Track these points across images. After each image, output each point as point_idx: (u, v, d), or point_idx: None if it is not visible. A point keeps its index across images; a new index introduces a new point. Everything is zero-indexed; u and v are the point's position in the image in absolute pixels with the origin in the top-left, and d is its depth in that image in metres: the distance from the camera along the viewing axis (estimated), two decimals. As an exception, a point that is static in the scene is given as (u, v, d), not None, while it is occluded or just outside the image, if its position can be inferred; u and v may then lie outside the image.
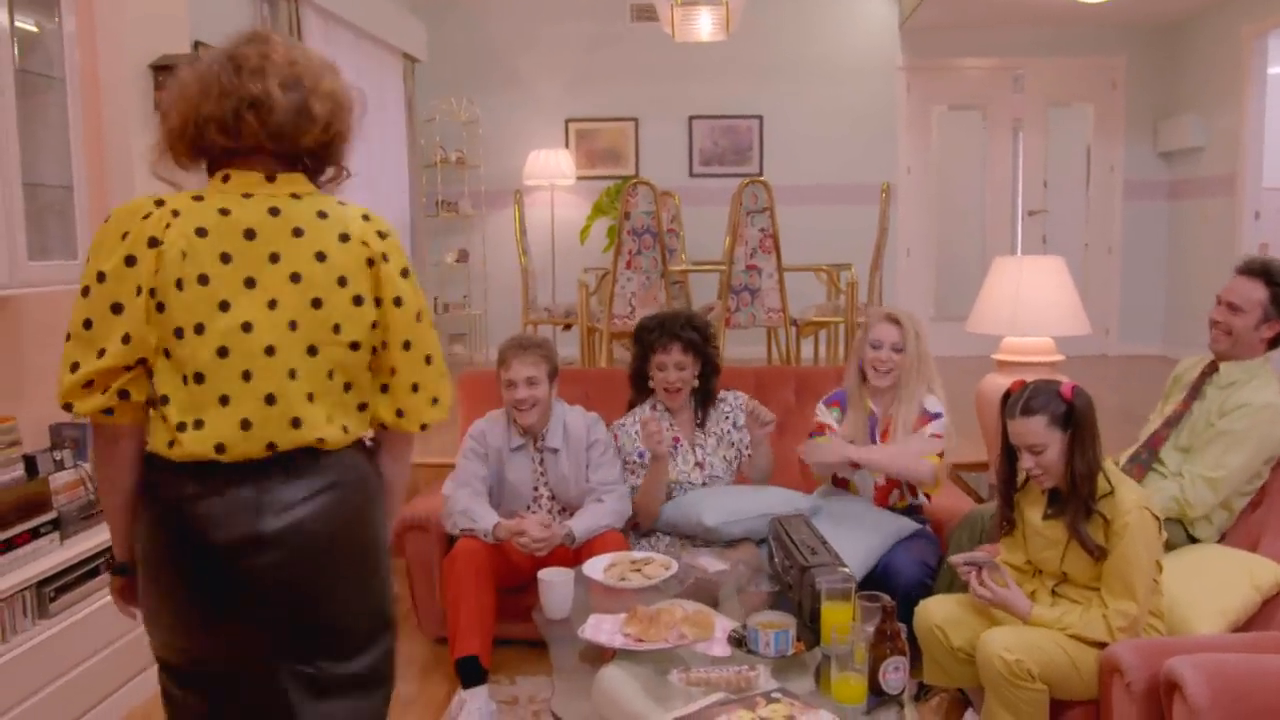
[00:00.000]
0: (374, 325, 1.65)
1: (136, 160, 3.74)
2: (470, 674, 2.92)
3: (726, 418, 3.52)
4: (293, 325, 1.59)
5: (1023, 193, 8.28)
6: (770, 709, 1.93)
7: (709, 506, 3.22)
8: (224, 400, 1.56)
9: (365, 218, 1.69)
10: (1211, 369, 3.11)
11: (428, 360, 1.71)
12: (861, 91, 7.95)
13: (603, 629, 2.41)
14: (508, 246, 7.42)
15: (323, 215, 1.64)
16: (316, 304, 1.60)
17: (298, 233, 1.61)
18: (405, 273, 1.69)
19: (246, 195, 1.61)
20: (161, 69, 3.94)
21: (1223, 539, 3.03)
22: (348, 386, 1.65)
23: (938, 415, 3.25)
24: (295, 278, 1.59)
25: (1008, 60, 8.09)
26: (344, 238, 1.64)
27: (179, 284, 1.54)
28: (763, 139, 8.03)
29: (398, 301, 1.67)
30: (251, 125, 1.59)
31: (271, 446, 1.57)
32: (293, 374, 1.59)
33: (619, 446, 3.44)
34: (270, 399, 1.57)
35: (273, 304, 1.58)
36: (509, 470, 3.31)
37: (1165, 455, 3.08)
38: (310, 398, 1.60)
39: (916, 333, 3.26)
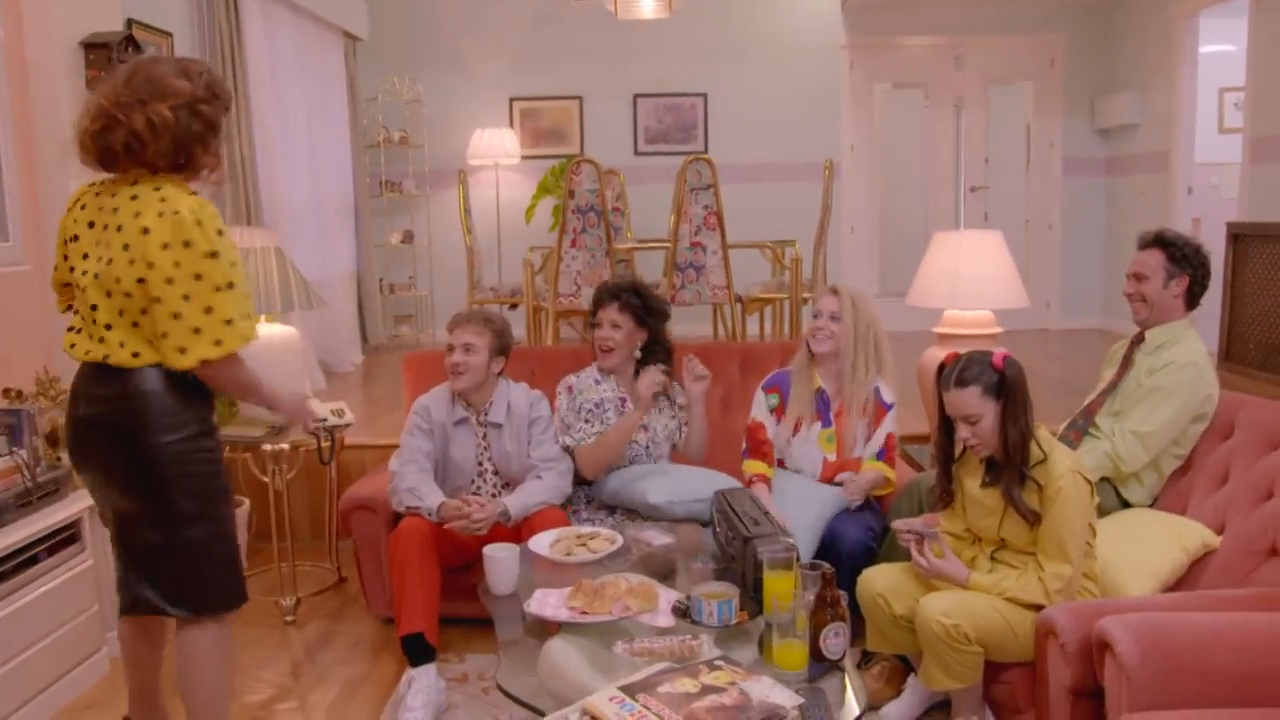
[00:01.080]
0: (140, 281, 2.16)
1: (68, 139, 3.66)
2: (418, 652, 2.92)
3: (670, 395, 3.58)
4: (96, 276, 2.22)
5: (964, 169, 8.38)
6: (713, 676, 1.96)
7: (654, 485, 3.26)
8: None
9: (162, 199, 2.18)
10: (1139, 339, 3.25)
11: (174, 316, 2.16)
12: (805, 70, 7.99)
13: (548, 603, 2.43)
14: (453, 226, 7.37)
15: (134, 199, 2.20)
16: (109, 261, 2.19)
17: (116, 210, 2.22)
18: (165, 246, 2.14)
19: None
20: (93, 47, 3.85)
21: (1154, 504, 3.13)
22: (135, 324, 2.21)
23: (891, 406, 3.35)
24: (107, 243, 2.21)
25: (949, 38, 8.17)
26: (136, 215, 2.18)
27: None
28: (707, 117, 8.05)
29: (150, 266, 2.14)
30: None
31: (88, 354, 2.25)
32: (94, 308, 2.23)
33: (574, 395, 3.50)
34: (94, 324, 2.25)
35: (89, 257, 2.25)
36: (453, 446, 3.32)
37: (1100, 421, 3.19)
38: (108, 327, 2.22)
39: (855, 304, 3.34)
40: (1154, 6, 7.39)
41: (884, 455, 3.32)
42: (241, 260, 2.26)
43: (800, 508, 3.15)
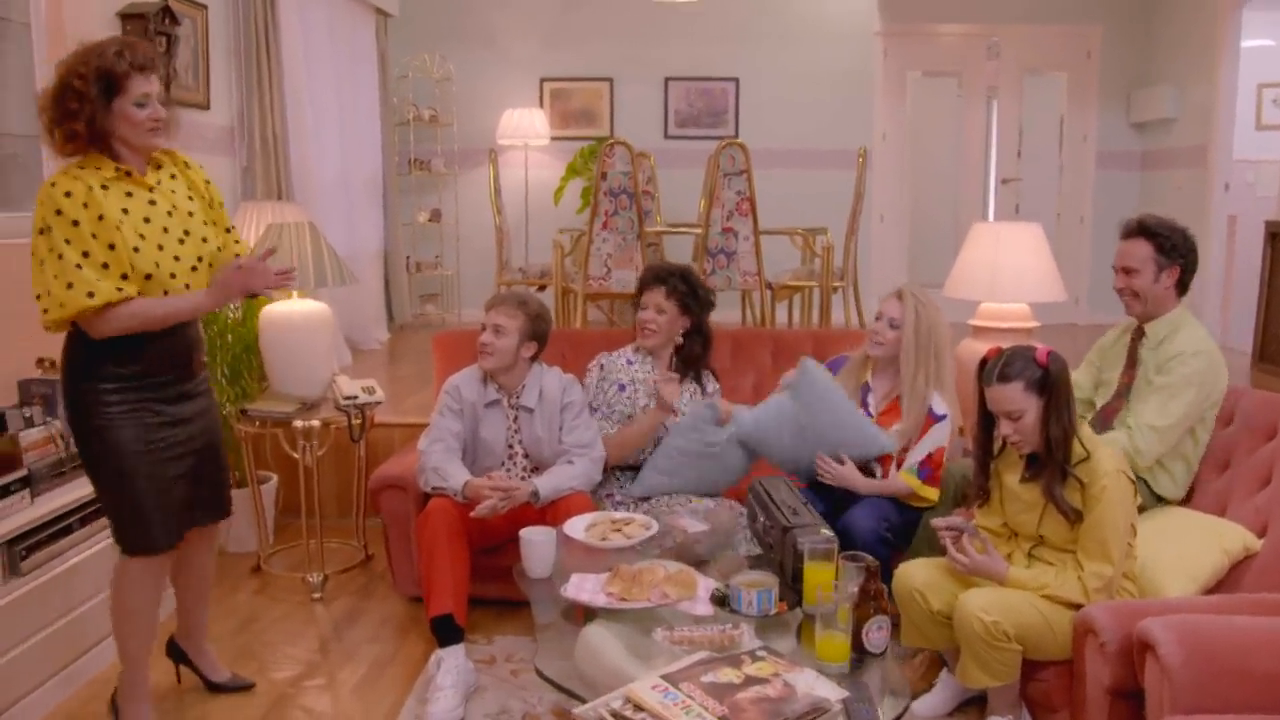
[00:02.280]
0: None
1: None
2: (446, 632, 2.91)
3: (703, 385, 3.59)
4: None
5: (996, 160, 8.29)
6: (756, 666, 1.94)
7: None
8: None
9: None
10: (1139, 334, 3.18)
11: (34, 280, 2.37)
12: (838, 56, 7.90)
13: (585, 588, 2.41)
14: (480, 206, 7.34)
15: None
16: None
17: None
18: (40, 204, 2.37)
19: None
20: (130, 18, 3.85)
21: (1190, 500, 3.09)
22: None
23: (942, 417, 3.19)
24: None
25: (984, 27, 8.07)
26: None
27: None
28: (738, 102, 7.97)
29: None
30: None
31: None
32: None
33: (605, 373, 3.50)
34: None
35: None
36: (483, 427, 3.30)
37: (1117, 424, 3.12)
38: None
39: (917, 312, 3.19)
40: (1195, -1, 7.28)
41: (927, 474, 3.18)
42: (89, 232, 2.36)
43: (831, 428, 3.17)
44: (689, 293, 3.47)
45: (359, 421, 3.73)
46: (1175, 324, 3.09)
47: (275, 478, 4.26)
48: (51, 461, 3.02)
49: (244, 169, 5.19)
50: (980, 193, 8.31)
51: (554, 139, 7.81)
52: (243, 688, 3.00)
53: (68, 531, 2.97)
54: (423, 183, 7.95)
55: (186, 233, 2.55)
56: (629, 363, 3.53)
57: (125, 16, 3.84)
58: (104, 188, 2.40)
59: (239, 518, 4.09)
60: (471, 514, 3.03)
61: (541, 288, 6.39)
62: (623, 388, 3.48)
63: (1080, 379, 3.27)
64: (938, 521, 2.70)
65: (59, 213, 2.33)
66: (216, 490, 2.77)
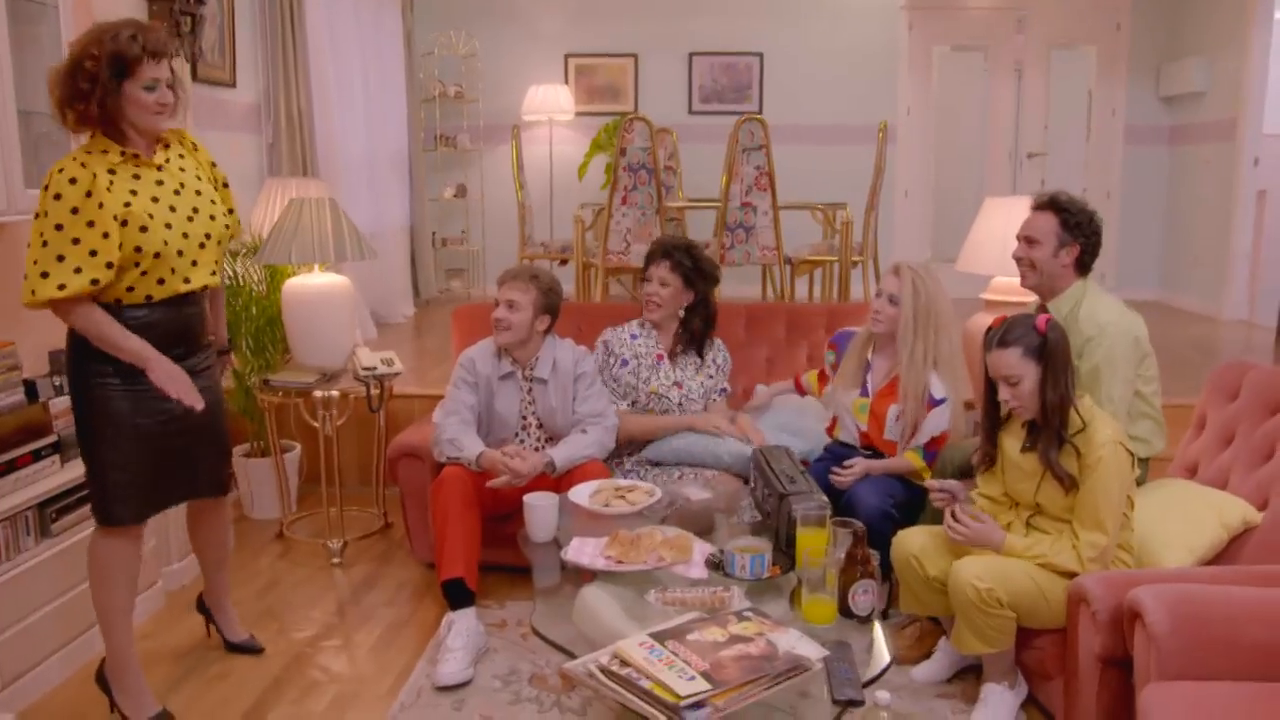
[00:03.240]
0: None
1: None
2: (457, 596, 3.00)
3: (703, 355, 3.66)
4: None
5: (1022, 135, 8.23)
6: (741, 626, 2.00)
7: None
8: None
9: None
10: (1041, 311, 3.12)
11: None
12: (863, 30, 7.88)
13: (585, 551, 2.49)
14: (506, 182, 7.42)
15: None
16: None
17: None
18: (45, 187, 2.41)
19: None
20: (156, -2, 3.93)
21: (1195, 475, 3.11)
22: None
23: (941, 401, 3.21)
24: None
25: (1010, 0, 8.01)
26: None
27: None
28: (763, 77, 7.98)
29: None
30: None
31: None
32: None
33: (609, 349, 3.58)
34: None
35: None
36: (497, 399, 3.38)
37: None
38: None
39: (915, 287, 3.20)
40: (1226, -30, 7.19)
41: (932, 456, 3.22)
42: (85, 219, 2.39)
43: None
44: (693, 267, 3.53)
45: (378, 392, 3.82)
46: (1075, 298, 3.10)
47: (298, 447, 4.38)
48: (81, 428, 3.13)
49: (269, 145, 5.29)
50: (1006, 168, 8.27)
51: (579, 114, 7.86)
52: (253, 650, 3.11)
53: (94, 496, 3.08)
54: (448, 159, 8.04)
55: (195, 210, 2.62)
56: (633, 337, 3.60)
57: (151, -4, 3.93)
58: (111, 172, 2.46)
59: (262, 486, 4.22)
60: (487, 484, 3.11)
61: (563, 262, 6.47)
62: (625, 362, 3.56)
63: None
64: (931, 483, 2.75)
65: (58, 197, 2.38)
66: (215, 467, 2.82)
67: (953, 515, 2.65)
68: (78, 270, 2.38)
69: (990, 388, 2.74)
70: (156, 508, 2.72)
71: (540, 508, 2.76)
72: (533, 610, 2.42)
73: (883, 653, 2.16)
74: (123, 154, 2.50)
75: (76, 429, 2.60)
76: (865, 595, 2.19)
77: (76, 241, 2.39)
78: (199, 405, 2.55)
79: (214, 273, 2.70)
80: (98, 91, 2.40)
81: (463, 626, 2.96)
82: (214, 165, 2.80)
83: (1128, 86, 7.97)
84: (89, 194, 2.40)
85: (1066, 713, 2.58)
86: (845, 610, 2.19)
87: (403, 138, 7.19)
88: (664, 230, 5.55)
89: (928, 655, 2.95)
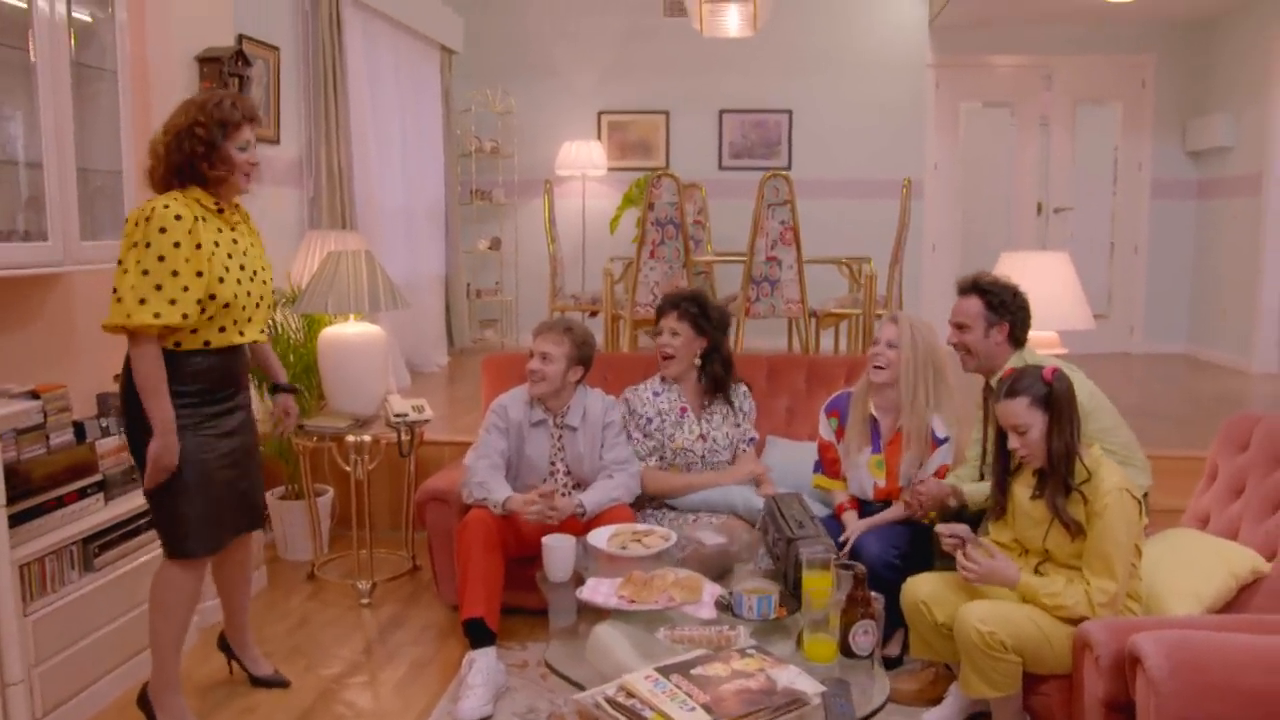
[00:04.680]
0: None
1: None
2: (478, 635, 3.10)
3: (732, 402, 3.72)
4: None
5: (1049, 190, 8.32)
6: (744, 662, 2.09)
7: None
8: None
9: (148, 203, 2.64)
10: (987, 390, 3.26)
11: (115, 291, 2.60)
12: (890, 87, 8.04)
13: (600, 590, 2.59)
14: (539, 235, 7.58)
15: None
16: None
17: None
18: (146, 220, 2.59)
19: None
20: (206, 61, 4.15)
21: (1207, 525, 3.15)
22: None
23: (944, 440, 3.34)
24: None
25: (1037, 58, 8.14)
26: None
27: None
28: (791, 133, 8.15)
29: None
30: None
31: None
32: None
33: (631, 409, 3.66)
34: None
35: None
36: (528, 445, 3.49)
37: None
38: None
39: (914, 334, 3.33)
40: (1252, 26, 7.27)
41: None
42: (184, 256, 2.60)
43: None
44: (700, 314, 3.62)
45: (408, 438, 3.95)
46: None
47: (331, 491, 4.51)
48: (124, 469, 3.29)
49: (310, 199, 5.50)
50: (1033, 222, 8.35)
51: (611, 170, 8.06)
52: (279, 684, 3.21)
53: (136, 533, 3.23)
54: (484, 212, 8.25)
55: (254, 272, 2.84)
56: (655, 394, 3.68)
57: (202, 61, 4.14)
58: (202, 219, 2.67)
59: (295, 528, 4.35)
60: (523, 516, 3.23)
61: (593, 314, 6.61)
62: (650, 420, 3.64)
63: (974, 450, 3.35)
64: (941, 528, 2.81)
65: (163, 230, 2.57)
66: (254, 501, 3.00)
67: (964, 555, 2.71)
68: (172, 302, 2.58)
69: (1000, 437, 2.82)
70: (223, 541, 2.88)
71: (558, 549, 2.86)
72: (547, 646, 2.51)
73: (880, 691, 2.22)
74: (214, 204, 2.73)
75: (141, 469, 2.70)
76: (865, 636, 2.27)
77: (175, 274, 2.58)
78: (162, 478, 2.68)
79: (263, 330, 2.92)
80: (209, 153, 2.66)
81: (483, 664, 3.05)
82: (255, 232, 3.01)
83: (1153, 141, 8.05)
84: (190, 232, 2.60)
85: (1073, 758, 2.63)
86: (846, 650, 2.26)
87: (439, 191, 7.40)
88: (691, 284, 5.68)
89: (940, 699, 2.99)
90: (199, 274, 2.62)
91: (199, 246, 2.62)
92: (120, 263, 2.61)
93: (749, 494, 3.48)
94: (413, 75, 6.88)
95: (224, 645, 3.24)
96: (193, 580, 2.82)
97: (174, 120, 2.69)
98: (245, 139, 2.73)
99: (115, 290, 2.59)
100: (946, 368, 3.40)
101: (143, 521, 3.24)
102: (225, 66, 4.19)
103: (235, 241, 2.78)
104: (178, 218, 2.59)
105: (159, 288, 2.57)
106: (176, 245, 2.58)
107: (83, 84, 3.17)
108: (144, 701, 2.87)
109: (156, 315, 2.56)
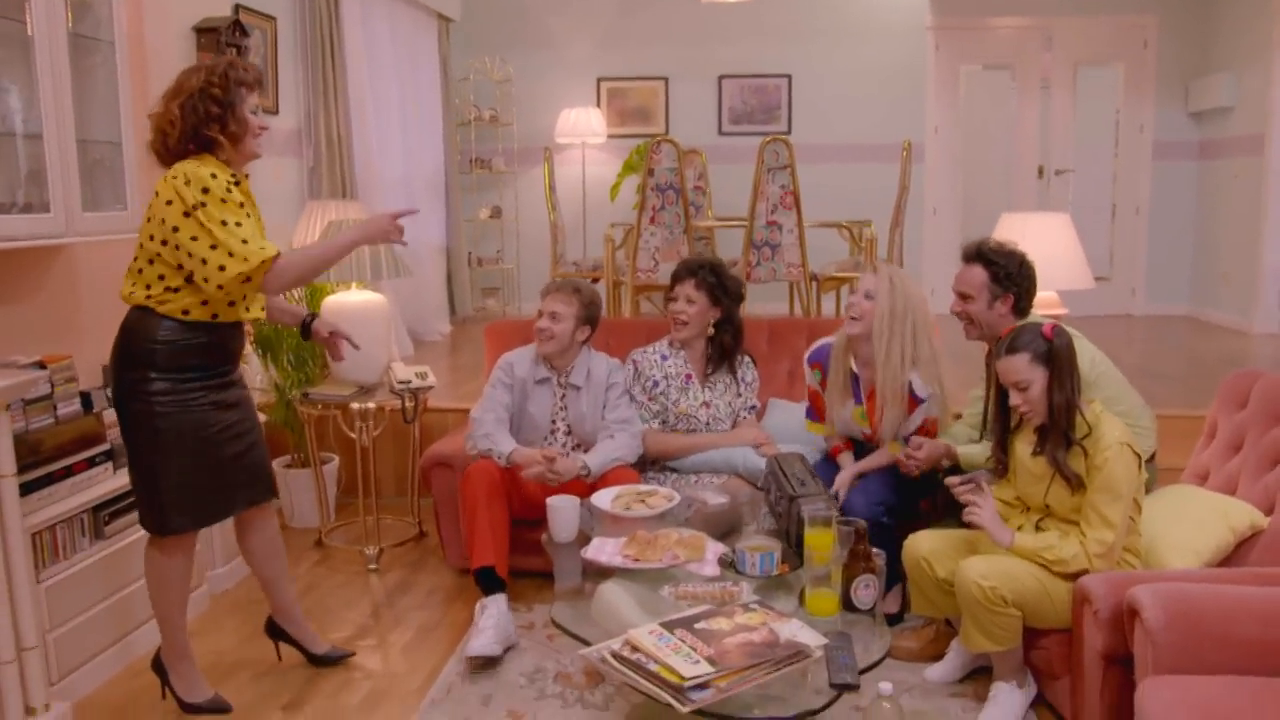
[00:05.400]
0: (151, 238, 2.64)
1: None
2: (489, 583, 3.18)
3: (736, 372, 3.76)
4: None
5: (1050, 152, 8.29)
6: (747, 617, 2.12)
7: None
8: None
9: (173, 174, 2.60)
10: (990, 354, 3.19)
11: (189, 255, 2.56)
12: (890, 51, 8.00)
13: (604, 550, 2.62)
14: (539, 203, 7.58)
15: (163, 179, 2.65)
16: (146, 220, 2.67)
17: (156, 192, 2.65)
18: (169, 202, 2.57)
19: None
20: (203, 31, 4.14)
21: (1206, 481, 3.18)
22: (140, 270, 2.67)
23: (923, 399, 3.26)
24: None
25: (1038, 19, 8.09)
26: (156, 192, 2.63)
27: None
28: (791, 98, 8.12)
29: (161, 221, 2.59)
30: None
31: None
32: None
33: (639, 370, 3.68)
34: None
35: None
36: (531, 402, 3.54)
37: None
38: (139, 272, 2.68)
39: (892, 283, 3.22)
40: (1253, -15, 7.22)
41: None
42: (238, 203, 2.61)
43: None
44: (717, 284, 3.63)
45: (412, 404, 3.98)
46: None
47: (336, 459, 4.55)
48: (132, 438, 3.31)
49: (310, 169, 5.50)
50: (1034, 184, 8.32)
51: (610, 137, 8.04)
52: (343, 657, 3.17)
53: (144, 502, 3.26)
54: (484, 181, 8.24)
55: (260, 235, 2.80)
56: (663, 358, 3.70)
57: (199, 31, 4.14)
58: (233, 181, 2.66)
59: (302, 496, 4.39)
60: (522, 474, 3.27)
61: (595, 280, 6.61)
62: (656, 383, 3.66)
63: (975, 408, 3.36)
64: (952, 479, 2.82)
65: (207, 190, 2.54)
66: (264, 470, 2.96)
67: (975, 498, 2.71)
68: (250, 240, 2.57)
69: (1000, 396, 2.84)
70: (218, 515, 2.85)
71: (562, 509, 2.90)
72: (553, 606, 2.55)
73: (880, 643, 2.26)
74: (232, 175, 2.69)
75: (125, 439, 2.72)
76: (867, 590, 2.30)
77: (239, 224, 2.57)
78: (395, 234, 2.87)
79: (263, 308, 2.87)
80: (225, 114, 2.62)
81: (494, 610, 3.13)
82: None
83: (1155, 102, 8.01)
84: (229, 188, 2.59)
85: (1073, 710, 2.67)
86: (848, 604, 2.29)
87: (439, 160, 7.39)
88: (691, 249, 5.69)
89: (941, 656, 3.04)
90: (245, 219, 2.61)
91: (241, 204, 2.61)
92: (176, 232, 2.56)
93: (749, 454, 3.51)
94: (410, 44, 6.85)
95: (272, 630, 3.15)
96: (180, 556, 2.79)
97: (183, 84, 2.65)
98: (254, 103, 2.70)
99: (201, 257, 2.54)
100: (930, 325, 3.29)
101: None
102: (222, 36, 4.19)
103: (249, 216, 2.71)
104: (213, 175, 2.57)
105: (239, 225, 2.56)
106: (224, 201, 2.56)
107: (80, 55, 3.17)
108: (158, 666, 2.91)
109: (263, 248, 2.57)
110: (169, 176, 2.61)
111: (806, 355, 3.57)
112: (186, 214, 2.54)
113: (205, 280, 2.55)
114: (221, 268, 2.53)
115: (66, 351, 3.19)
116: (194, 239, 2.54)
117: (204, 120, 2.62)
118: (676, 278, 3.71)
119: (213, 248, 2.54)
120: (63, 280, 3.39)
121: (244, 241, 2.54)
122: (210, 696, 2.87)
